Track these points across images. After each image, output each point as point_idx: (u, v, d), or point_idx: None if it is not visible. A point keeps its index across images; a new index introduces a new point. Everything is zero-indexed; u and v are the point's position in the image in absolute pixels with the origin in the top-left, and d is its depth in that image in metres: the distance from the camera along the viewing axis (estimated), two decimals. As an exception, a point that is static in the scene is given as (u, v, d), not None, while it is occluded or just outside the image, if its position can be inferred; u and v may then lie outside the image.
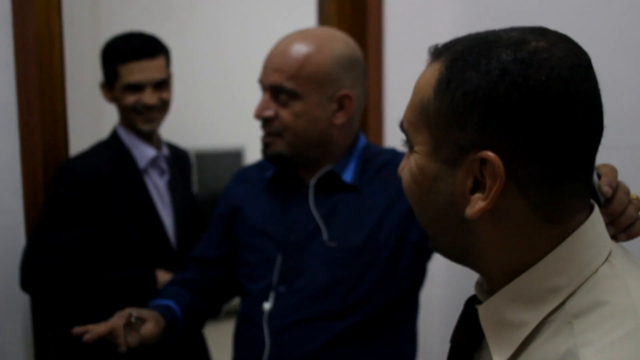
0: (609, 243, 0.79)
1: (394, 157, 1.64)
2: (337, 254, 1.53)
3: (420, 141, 0.79)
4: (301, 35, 1.54)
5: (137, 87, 1.90)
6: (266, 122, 1.55)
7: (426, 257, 1.61)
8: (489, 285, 0.83)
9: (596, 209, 0.79)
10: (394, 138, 2.23)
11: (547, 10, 1.90)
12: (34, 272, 1.82)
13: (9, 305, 2.05)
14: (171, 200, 2.04)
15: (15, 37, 1.96)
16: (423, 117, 0.77)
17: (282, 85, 1.49)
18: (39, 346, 2.10)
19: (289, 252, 1.58)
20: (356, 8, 2.25)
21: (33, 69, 1.98)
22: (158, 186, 2.01)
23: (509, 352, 0.76)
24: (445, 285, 2.36)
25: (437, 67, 0.76)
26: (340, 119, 1.55)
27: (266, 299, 1.56)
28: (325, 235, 1.55)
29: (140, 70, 1.88)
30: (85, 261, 1.85)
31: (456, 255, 0.84)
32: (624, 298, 0.72)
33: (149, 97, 1.90)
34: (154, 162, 2.00)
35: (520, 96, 0.69)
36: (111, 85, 1.94)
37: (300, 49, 1.50)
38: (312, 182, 1.60)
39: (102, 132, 2.47)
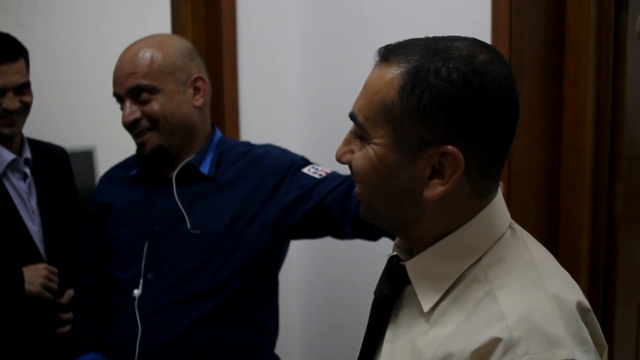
0: (509, 214, 0.98)
1: (250, 148, 1.78)
2: (200, 241, 1.64)
3: (380, 135, 0.91)
4: (140, 41, 1.69)
5: None
6: (134, 125, 1.66)
7: (284, 238, 1.74)
8: (410, 246, 0.99)
9: (500, 187, 0.97)
10: (249, 133, 2.37)
11: (381, 12, 2.10)
12: None
13: None
14: (37, 205, 1.98)
15: None
16: (385, 115, 0.90)
17: (140, 84, 1.62)
18: None
19: (154, 241, 1.67)
20: (210, 10, 2.33)
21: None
22: (19, 190, 1.94)
23: (436, 298, 0.92)
24: (302, 266, 2.53)
25: (395, 72, 0.89)
26: (199, 101, 1.70)
27: (136, 286, 1.65)
28: (188, 224, 1.65)
29: (1, 76, 1.83)
30: None
31: (396, 226, 0.99)
32: (525, 253, 0.92)
33: (11, 102, 1.85)
34: (13, 166, 1.94)
35: (478, 101, 0.86)
36: None
37: (145, 50, 1.64)
38: (174, 174, 1.70)
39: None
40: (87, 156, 4.47)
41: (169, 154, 1.69)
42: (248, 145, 1.81)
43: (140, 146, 1.68)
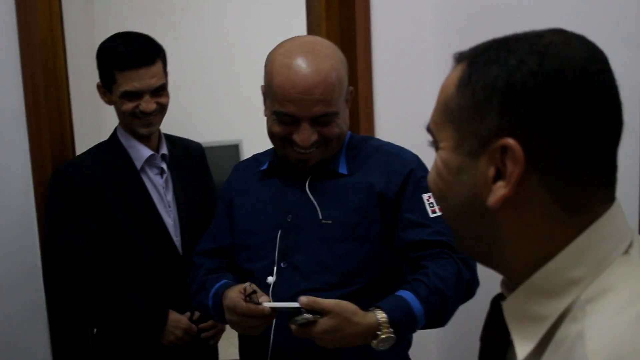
0: (630, 235, 0.78)
1: (381, 144, 1.75)
2: (332, 231, 1.63)
3: (444, 137, 0.81)
4: (313, 57, 1.57)
5: (135, 94, 1.89)
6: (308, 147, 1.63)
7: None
8: (512, 281, 0.82)
9: (617, 201, 0.79)
10: (383, 129, 2.32)
11: (531, 10, 1.97)
12: (47, 279, 1.92)
13: (25, 301, 2.14)
14: (173, 199, 2.05)
15: (20, 43, 2.04)
16: (447, 113, 0.80)
17: (327, 112, 1.57)
18: (55, 338, 2.20)
19: (287, 231, 1.67)
20: (344, 5, 2.31)
21: (39, 73, 2.07)
22: (157, 185, 2.02)
23: (530, 346, 0.76)
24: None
25: (460, 67, 0.80)
26: (347, 112, 1.67)
27: (269, 274, 1.65)
28: (320, 214, 1.64)
29: (138, 79, 1.87)
30: (95, 269, 1.91)
31: (481, 252, 0.84)
32: (635, 284, 0.73)
33: (147, 104, 1.89)
34: (151, 162, 2.01)
35: (536, 83, 0.72)
36: (108, 88, 1.94)
37: (329, 72, 1.54)
38: (309, 175, 1.68)
39: (103, 131, 2.52)
40: (234, 150, 4.64)
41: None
42: (377, 140, 1.79)
43: (302, 162, 1.65)
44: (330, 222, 1.63)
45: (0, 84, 2.05)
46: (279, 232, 1.67)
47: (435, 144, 0.84)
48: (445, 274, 1.53)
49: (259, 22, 4.54)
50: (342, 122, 1.62)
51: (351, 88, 1.66)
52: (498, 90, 0.74)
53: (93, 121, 3.86)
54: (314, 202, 1.65)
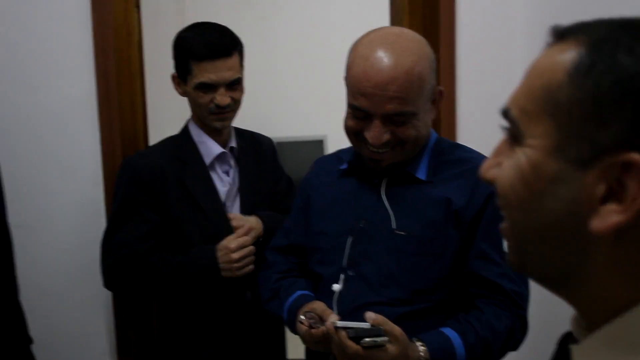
0: None
1: (469, 156, 1.60)
2: (405, 243, 1.53)
3: (538, 133, 0.65)
4: (393, 50, 1.45)
5: (210, 87, 1.86)
6: (381, 146, 1.52)
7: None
8: (586, 321, 0.69)
9: None
10: (466, 132, 2.17)
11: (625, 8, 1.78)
12: (103, 271, 1.89)
13: (92, 291, 2.13)
14: (238, 194, 2.01)
15: (94, 31, 2.02)
16: (548, 105, 0.64)
17: (402, 112, 1.45)
18: (120, 332, 2.19)
19: (358, 237, 1.58)
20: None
21: (111, 61, 2.04)
22: (224, 182, 1.99)
23: None
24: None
25: (571, 48, 0.64)
26: (434, 113, 1.54)
27: (336, 281, 1.59)
28: (394, 224, 1.54)
29: (214, 70, 1.83)
30: (145, 257, 1.87)
31: (555, 279, 0.70)
32: None
33: (222, 98, 1.87)
34: (220, 159, 1.98)
35: None
36: (183, 79, 1.91)
37: (409, 69, 1.42)
38: (385, 177, 1.58)
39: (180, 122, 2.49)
40: (318, 145, 4.58)
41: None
42: (466, 151, 1.64)
43: (375, 162, 1.55)
44: (403, 233, 1.52)
45: (73, 72, 2.04)
46: (350, 238, 1.58)
47: (516, 136, 0.69)
48: (499, 328, 1.43)
49: (342, 15, 4.45)
50: (422, 124, 1.48)
51: (440, 88, 1.51)
52: (635, 92, 0.59)
53: (175, 113, 3.88)
54: (389, 209, 1.55)
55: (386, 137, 1.46)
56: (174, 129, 2.03)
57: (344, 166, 1.68)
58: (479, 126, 2.16)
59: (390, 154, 1.50)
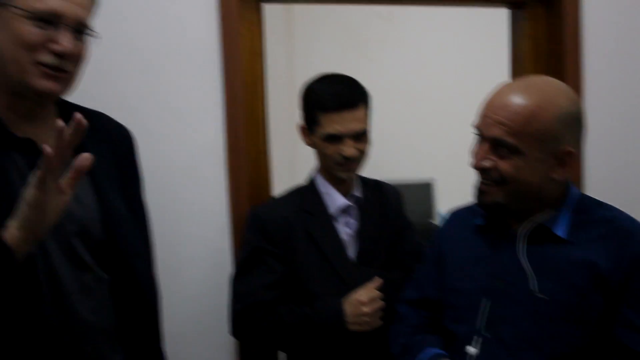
0: None
1: (614, 215, 1.53)
2: (546, 307, 1.46)
3: None
4: (525, 87, 1.48)
5: (337, 138, 1.87)
6: (483, 171, 1.53)
7: None
8: None
9: None
10: (593, 183, 2.06)
11: None
12: (230, 318, 1.89)
13: (217, 339, 2.14)
14: (358, 243, 1.97)
15: (224, 82, 2.06)
16: None
17: (504, 140, 1.45)
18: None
19: (495, 298, 1.53)
20: (552, 47, 2.10)
21: (240, 111, 2.07)
22: (347, 232, 1.97)
23: None
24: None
25: None
26: (559, 174, 1.50)
27: (469, 342, 1.54)
28: (534, 285, 1.49)
29: (341, 122, 1.84)
30: (272, 306, 1.86)
31: None
32: None
33: (349, 149, 1.87)
34: (345, 210, 1.98)
35: None
36: (310, 130, 1.93)
37: (525, 103, 1.44)
38: (522, 232, 1.55)
39: (297, 171, 2.50)
40: (426, 188, 4.51)
41: (508, 212, 1.55)
42: (609, 209, 1.57)
43: (479, 192, 1.56)
44: (545, 297, 1.46)
45: (203, 121, 2.08)
46: (486, 298, 1.54)
47: None
48: None
49: (454, 58, 4.41)
50: (528, 169, 1.46)
51: (570, 149, 1.47)
52: None
53: (288, 161, 3.91)
54: (528, 270, 1.50)
55: (486, 163, 1.49)
56: (290, 177, 2.03)
57: (480, 221, 1.65)
58: (606, 175, 2.07)
59: (493, 189, 1.52)
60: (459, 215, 1.79)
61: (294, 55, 4.39)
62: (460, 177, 4.60)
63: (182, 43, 2.04)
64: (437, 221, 4.36)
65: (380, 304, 1.81)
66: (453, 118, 4.70)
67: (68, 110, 1.44)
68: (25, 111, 1.39)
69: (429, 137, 4.46)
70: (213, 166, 2.09)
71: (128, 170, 1.60)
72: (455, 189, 4.71)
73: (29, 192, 1.16)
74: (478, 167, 1.52)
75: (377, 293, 1.82)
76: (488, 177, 1.52)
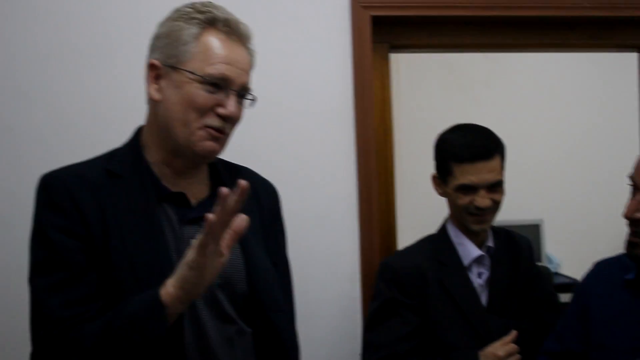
0: None
1: None
2: None
3: None
4: None
5: (471, 188, 1.85)
6: (635, 223, 1.49)
7: None
8: None
9: None
10: None
11: None
12: None
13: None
14: (488, 292, 1.93)
15: (357, 131, 2.08)
16: None
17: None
18: None
19: None
20: None
21: (372, 161, 2.09)
22: (479, 283, 1.94)
23: None
24: None
25: None
26: None
27: None
28: None
29: (475, 173, 1.83)
30: (407, 359, 1.83)
31: None
32: None
33: (482, 200, 1.85)
34: (478, 261, 1.94)
35: None
36: (443, 180, 1.91)
37: None
38: None
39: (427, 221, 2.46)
40: (534, 229, 4.40)
41: None
42: None
43: (630, 245, 1.53)
44: None
45: (336, 172, 2.10)
46: (637, 356, 1.49)
47: None
48: None
49: (559, 101, 4.34)
50: None
51: None
52: None
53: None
54: None
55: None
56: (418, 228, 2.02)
57: (630, 276, 1.60)
58: None
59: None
60: (605, 267, 1.73)
61: (400, 97, 4.40)
62: (569, 218, 4.49)
63: (316, 95, 2.09)
64: (545, 263, 4.24)
65: (516, 357, 1.76)
66: (561, 159, 4.60)
67: (214, 163, 1.49)
68: (180, 168, 1.43)
69: (537, 177, 4.35)
70: (346, 216, 2.11)
71: (273, 225, 1.61)
72: (563, 230, 4.56)
73: (190, 255, 1.19)
74: (630, 218, 1.49)
75: (514, 347, 1.77)
76: (639, 229, 1.48)
